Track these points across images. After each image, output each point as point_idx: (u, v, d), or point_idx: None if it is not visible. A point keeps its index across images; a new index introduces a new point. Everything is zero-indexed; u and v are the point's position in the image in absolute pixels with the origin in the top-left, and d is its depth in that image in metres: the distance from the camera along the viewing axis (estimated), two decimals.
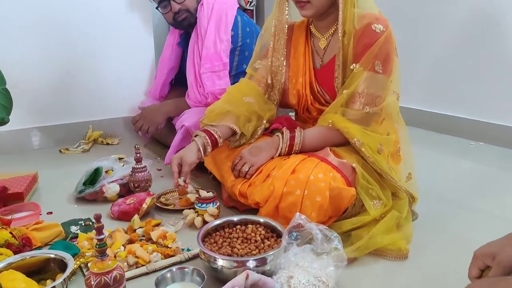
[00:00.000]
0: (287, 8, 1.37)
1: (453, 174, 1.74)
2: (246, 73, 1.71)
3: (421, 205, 1.34)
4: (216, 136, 1.31)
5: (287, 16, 1.38)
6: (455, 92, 2.26)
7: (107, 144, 2.13)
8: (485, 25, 2.08)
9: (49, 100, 2.04)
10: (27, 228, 1.11)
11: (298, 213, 0.97)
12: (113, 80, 2.17)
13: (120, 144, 2.16)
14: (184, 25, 1.79)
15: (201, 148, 1.27)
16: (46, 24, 1.97)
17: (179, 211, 1.34)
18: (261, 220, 1.08)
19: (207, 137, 1.29)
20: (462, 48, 2.20)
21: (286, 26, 1.38)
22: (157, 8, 1.80)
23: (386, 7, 1.38)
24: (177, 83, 2.13)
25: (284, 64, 1.40)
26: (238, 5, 1.83)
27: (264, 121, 1.39)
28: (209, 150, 1.30)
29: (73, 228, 1.22)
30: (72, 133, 2.11)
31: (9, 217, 1.15)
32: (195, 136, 1.32)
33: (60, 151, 2.00)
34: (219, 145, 1.32)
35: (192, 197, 1.36)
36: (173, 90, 2.10)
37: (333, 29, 1.32)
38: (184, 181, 1.25)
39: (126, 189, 1.45)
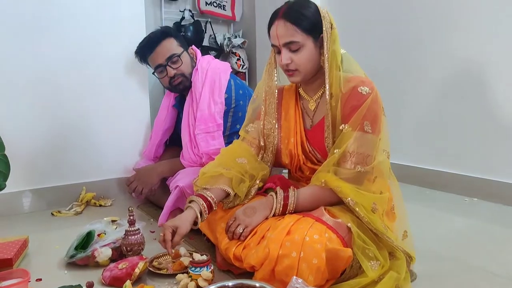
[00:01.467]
0: (276, 75, 1.44)
1: (450, 231, 1.73)
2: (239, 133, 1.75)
3: (418, 264, 1.31)
4: (210, 200, 1.30)
5: (276, 82, 1.44)
6: (445, 147, 2.30)
7: (100, 205, 2.11)
8: (466, 79, 2.17)
9: (41, 162, 2.05)
10: None
11: (295, 277, 0.95)
12: (107, 141, 2.20)
13: (113, 205, 2.14)
14: (180, 88, 1.86)
15: (199, 216, 1.26)
16: (40, 85, 2.02)
17: (173, 275, 1.30)
18: (257, 284, 1.06)
19: (204, 203, 1.28)
20: (444, 104, 2.28)
21: (276, 90, 1.44)
22: (153, 73, 1.87)
23: (369, 68, 1.44)
24: (172, 144, 2.16)
25: (276, 126, 1.44)
26: (231, 69, 1.91)
27: (258, 181, 1.39)
28: (205, 215, 1.29)
29: None
30: (64, 195, 2.10)
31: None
32: (190, 202, 1.30)
33: (52, 214, 1.98)
34: (214, 208, 1.31)
35: (185, 260, 1.33)
36: (167, 150, 2.13)
37: (321, 91, 1.38)
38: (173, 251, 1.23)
39: (119, 253, 1.42)
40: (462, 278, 1.30)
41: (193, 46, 1.96)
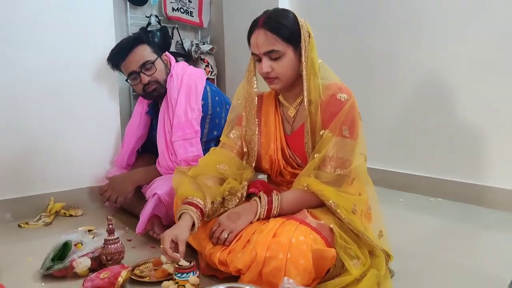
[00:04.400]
0: (255, 82, 1.47)
1: (419, 230, 1.81)
2: (216, 139, 1.76)
3: (394, 262, 1.37)
4: (202, 207, 1.29)
5: (255, 89, 1.47)
6: (411, 151, 2.42)
7: (70, 215, 2.05)
8: (431, 88, 2.29)
9: (5, 172, 1.96)
10: None
11: (286, 278, 0.97)
12: (76, 149, 2.14)
13: (84, 215, 2.08)
14: (154, 95, 1.85)
15: (196, 221, 1.24)
16: (5, 93, 1.95)
17: (156, 283, 1.29)
18: (247, 287, 1.07)
19: (196, 210, 1.27)
20: (411, 112, 2.39)
21: (256, 97, 1.47)
22: (126, 80, 1.84)
23: (343, 74, 1.50)
24: (144, 151, 2.13)
25: (257, 132, 1.46)
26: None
27: (245, 182, 1.40)
28: (199, 222, 1.27)
29: None
30: (31, 206, 2.02)
31: None
32: (184, 211, 1.27)
33: (20, 226, 1.90)
34: (205, 214, 1.30)
35: (168, 267, 1.32)
36: (140, 158, 2.10)
37: (301, 98, 1.41)
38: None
39: (98, 263, 1.39)
40: (436, 273, 1.37)
41: (167, 53, 1.94)
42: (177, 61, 1.96)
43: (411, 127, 2.41)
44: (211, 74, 3.56)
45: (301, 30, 1.33)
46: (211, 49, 3.60)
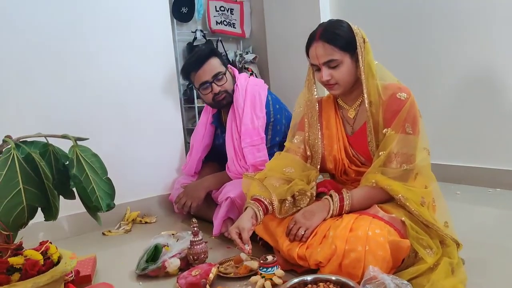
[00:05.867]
0: (315, 89, 1.58)
1: (481, 221, 1.85)
2: (278, 145, 1.88)
3: (462, 251, 1.43)
4: (266, 203, 1.43)
5: (316, 96, 1.58)
6: (466, 143, 2.44)
7: (146, 222, 2.22)
8: (483, 79, 2.31)
9: None
10: None
11: (371, 266, 1.07)
12: (146, 162, 2.31)
13: (158, 222, 2.25)
14: (223, 104, 1.99)
15: (257, 213, 1.39)
16: (82, 113, 2.12)
17: (240, 278, 1.42)
18: (333, 278, 1.17)
19: (258, 205, 1.42)
20: (465, 102, 2.41)
21: (317, 103, 1.57)
22: (197, 89, 1.99)
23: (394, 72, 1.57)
24: (207, 159, 2.28)
25: (319, 136, 1.57)
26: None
27: (313, 183, 1.51)
28: (262, 216, 1.41)
29: None
30: (111, 216, 2.18)
31: None
32: (247, 205, 1.43)
33: (104, 234, 2.09)
34: (269, 212, 1.44)
35: (250, 264, 1.44)
36: (205, 166, 2.25)
37: (360, 100, 1.51)
38: (250, 246, 1.33)
39: (185, 263, 1.53)
40: (505, 261, 1.42)
41: (230, 65, 2.09)
42: None
43: (464, 119, 2.43)
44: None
45: (356, 38, 1.43)
46: (254, 58, 3.74)
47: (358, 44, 1.43)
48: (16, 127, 1.87)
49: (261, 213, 1.41)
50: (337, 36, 1.42)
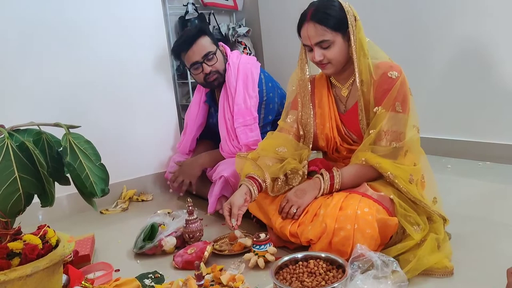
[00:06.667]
0: (307, 69, 1.58)
1: (470, 194, 1.90)
2: (271, 123, 1.90)
3: (450, 225, 1.48)
4: (260, 181, 1.46)
5: (308, 75, 1.58)
6: (456, 117, 2.46)
7: (142, 200, 2.26)
8: (475, 54, 2.31)
9: None
10: (109, 286, 1.23)
11: (359, 244, 1.11)
12: (141, 140, 2.33)
13: (154, 199, 2.29)
14: (214, 84, 1.98)
15: (251, 190, 1.43)
16: (75, 92, 2.12)
17: (234, 255, 1.47)
18: (323, 255, 1.22)
19: (252, 182, 1.45)
20: (457, 76, 2.42)
21: (309, 83, 1.58)
22: (188, 69, 1.98)
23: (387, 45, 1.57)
24: (201, 137, 2.30)
25: (312, 115, 1.58)
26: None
27: (305, 162, 1.54)
28: (256, 193, 1.44)
29: (147, 281, 1.33)
30: (109, 194, 2.22)
31: (91, 277, 1.26)
32: (241, 183, 1.46)
33: (101, 212, 2.12)
34: (263, 189, 1.47)
35: (244, 241, 1.49)
36: (199, 144, 2.27)
37: (352, 79, 1.52)
38: (236, 222, 1.37)
39: (181, 241, 1.58)
40: (490, 234, 1.47)
41: (222, 43, 2.07)
42: None
43: (455, 94, 2.45)
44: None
45: (347, 16, 1.42)
46: (248, 32, 3.69)
47: (349, 23, 1.42)
48: (8, 114, 1.89)
49: (255, 190, 1.44)
50: (328, 16, 1.41)
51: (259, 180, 1.46)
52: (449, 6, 2.38)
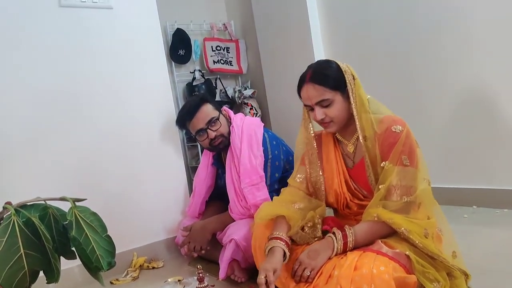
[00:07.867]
0: (311, 128, 1.60)
1: (491, 244, 1.82)
2: (278, 181, 1.89)
3: (472, 280, 1.40)
4: (288, 240, 1.43)
5: (312, 133, 1.60)
6: (468, 165, 2.42)
7: (153, 268, 2.20)
8: (482, 99, 2.31)
9: None
10: None
11: None
12: (150, 206, 2.30)
13: (165, 266, 2.24)
14: (220, 148, 2.02)
15: (287, 252, 1.38)
16: (83, 159, 2.14)
17: None
18: None
19: (284, 243, 1.40)
20: (464, 124, 2.41)
21: (314, 141, 1.59)
22: (194, 136, 2.02)
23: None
24: (210, 200, 2.28)
25: (320, 172, 1.58)
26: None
27: (319, 220, 1.50)
28: (288, 254, 1.40)
29: None
30: (117, 263, 2.17)
31: None
32: (271, 247, 1.40)
33: (111, 283, 2.07)
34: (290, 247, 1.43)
35: None
36: (209, 206, 2.25)
37: (357, 135, 1.52)
38: None
39: None
40: None
41: (225, 107, 2.13)
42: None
43: (465, 142, 2.42)
44: (256, 116, 3.73)
45: (345, 76, 1.46)
46: (253, 93, 3.79)
47: (347, 81, 1.46)
48: (17, 188, 1.89)
49: (288, 252, 1.40)
50: (327, 76, 1.45)
51: (285, 238, 1.42)
52: (447, 55, 2.43)
